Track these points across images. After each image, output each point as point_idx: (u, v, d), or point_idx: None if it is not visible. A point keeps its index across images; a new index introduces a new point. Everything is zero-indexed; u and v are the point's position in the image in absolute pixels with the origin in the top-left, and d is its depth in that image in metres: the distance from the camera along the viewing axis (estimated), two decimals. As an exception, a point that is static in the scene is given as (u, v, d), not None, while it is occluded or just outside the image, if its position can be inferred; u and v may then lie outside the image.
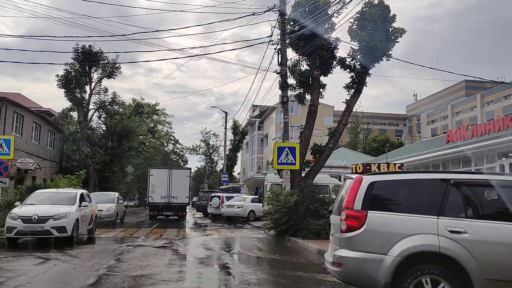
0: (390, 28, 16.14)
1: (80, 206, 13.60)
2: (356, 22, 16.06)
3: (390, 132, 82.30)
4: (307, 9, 16.58)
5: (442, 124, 77.35)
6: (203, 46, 33.69)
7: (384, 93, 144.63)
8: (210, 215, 29.97)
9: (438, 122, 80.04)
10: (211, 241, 14.83)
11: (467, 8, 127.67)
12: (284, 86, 17.23)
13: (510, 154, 17.77)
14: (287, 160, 16.03)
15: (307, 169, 17.52)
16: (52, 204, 13.24)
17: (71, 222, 12.62)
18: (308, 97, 18.14)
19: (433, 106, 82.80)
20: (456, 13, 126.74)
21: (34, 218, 12.16)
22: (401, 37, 16.17)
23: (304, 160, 17.32)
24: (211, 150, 73.30)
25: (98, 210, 19.11)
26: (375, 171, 15.19)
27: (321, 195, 15.30)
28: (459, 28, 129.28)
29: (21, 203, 13.90)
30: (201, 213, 34.31)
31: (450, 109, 77.06)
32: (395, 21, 16.16)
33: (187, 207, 29.78)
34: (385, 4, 16.00)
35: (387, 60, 16.42)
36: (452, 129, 30.06)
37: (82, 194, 14.55)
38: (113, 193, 23.90)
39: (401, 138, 76.66)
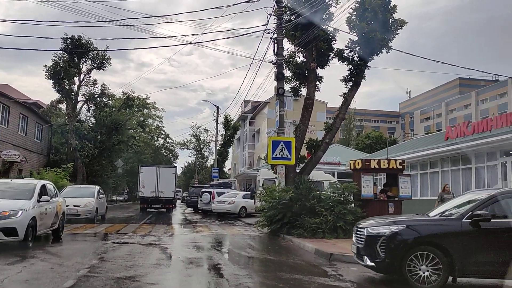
0: (390, 19, 15.56)
1: (39, 201, 10.94)
2: (355, 12, 15.52)
3: (382, 129, 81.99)
4: (304, -3, 15.94)
5: (436, 122, 77.19)
6: (196, 34, 32.96)
7: (377, 90, 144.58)
8: (200, 211, 29.40)
9: (432, 119, 79.86)
10: (201, 238, 14.16)
11: (461, 6, 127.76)
12: (280, 77, 16.53)
13: (512, 152, 17.28)
14: (282, 155, 15.31)
15: (301, 165, 16.91)
16: (1, 198, 10.56)
17: (25, 222, 9.97)
18: (303, 90, 17.50)
19: (427, 104, 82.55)
20: (450, 11, 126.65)
21: None
22: (401, 28, 15.61)
23: (299, 156, 16.71)
24: (201, 145, 72.44)
25: (74, 206, 17.49)
26: (375, 167, 14.70)
27: (318, 192, 14.66)
28: (453, 26, 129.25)
29: None
30: (191, 209, 33.66)
31: (444, 107, 76.87)
32: (396, 12, 15.57)
33: (178, 202, 30.00)
34: (386, -7, 15.37)
35: (387, 52, 15.83)
36: (446, 127, 29.57)
37: (43, 186, 11.82)
38: (93, 186, 21.58)
39: (393, 135, 76.32)
